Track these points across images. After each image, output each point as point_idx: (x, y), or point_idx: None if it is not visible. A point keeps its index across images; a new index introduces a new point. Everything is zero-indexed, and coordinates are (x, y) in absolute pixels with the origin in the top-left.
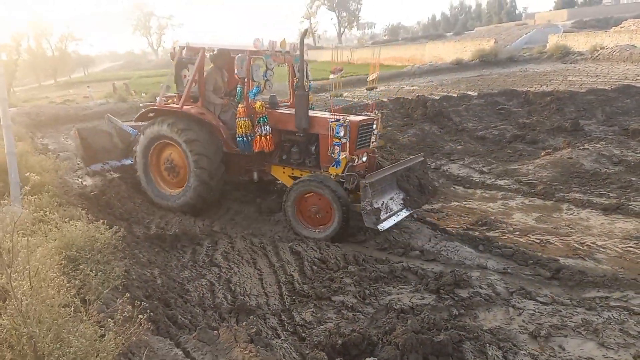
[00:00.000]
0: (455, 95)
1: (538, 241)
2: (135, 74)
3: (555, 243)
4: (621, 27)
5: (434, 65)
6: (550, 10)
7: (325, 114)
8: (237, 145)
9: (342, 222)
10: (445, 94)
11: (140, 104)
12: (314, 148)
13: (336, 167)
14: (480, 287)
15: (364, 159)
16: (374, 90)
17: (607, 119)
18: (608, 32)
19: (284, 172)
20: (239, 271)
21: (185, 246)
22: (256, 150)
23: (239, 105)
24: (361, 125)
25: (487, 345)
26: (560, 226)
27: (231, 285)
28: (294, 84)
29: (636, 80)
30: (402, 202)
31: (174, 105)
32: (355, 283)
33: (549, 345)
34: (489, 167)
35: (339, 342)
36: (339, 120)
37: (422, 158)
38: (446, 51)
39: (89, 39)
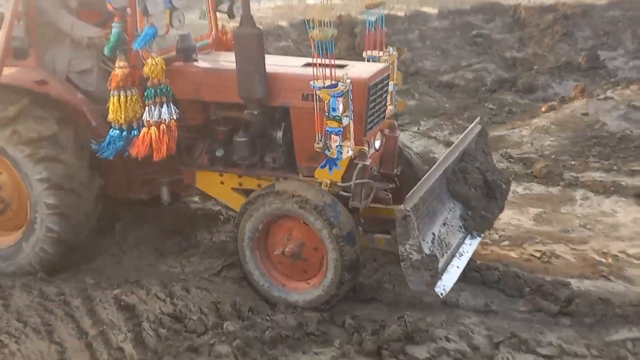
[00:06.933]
0: (403, 14)
1: (538, 255)
2: None
3: (565, 256)
4: None
5: None
6: None
7: (297, 66)
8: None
9: (343, 278)
10: (386, 12)
11: None
12: (280, 134)
13: (330, 169)
14: (448, 340)
15: (377, 144)
16: (380, 7)
17: None
18: None
19: (222, 183)
20: (19, 350)
21: None
22: (133, 155)
23: (117, 63)
24: (372, 85)
25: None
26: (573, 227)
27: None
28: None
29: None
30: (461, 224)
31: None
32: (236, 352)
33: None
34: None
35: None
36: (335, 85)
37: (480, 127)
38: None
39: None
